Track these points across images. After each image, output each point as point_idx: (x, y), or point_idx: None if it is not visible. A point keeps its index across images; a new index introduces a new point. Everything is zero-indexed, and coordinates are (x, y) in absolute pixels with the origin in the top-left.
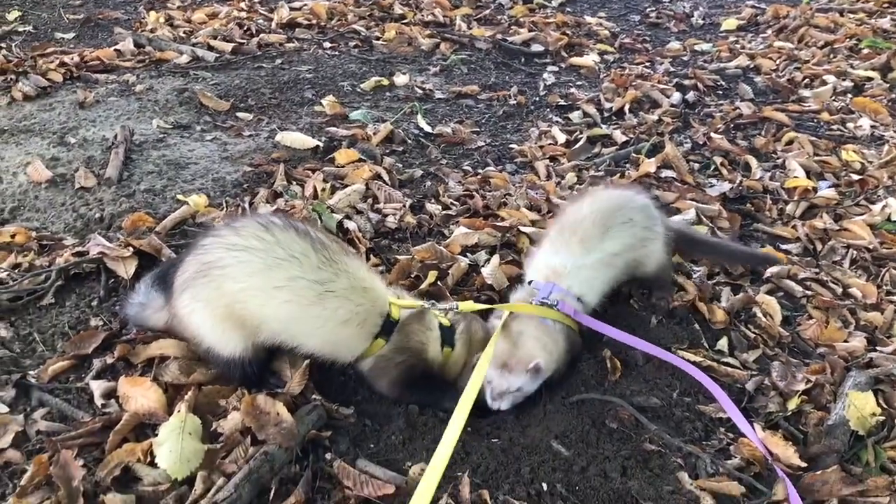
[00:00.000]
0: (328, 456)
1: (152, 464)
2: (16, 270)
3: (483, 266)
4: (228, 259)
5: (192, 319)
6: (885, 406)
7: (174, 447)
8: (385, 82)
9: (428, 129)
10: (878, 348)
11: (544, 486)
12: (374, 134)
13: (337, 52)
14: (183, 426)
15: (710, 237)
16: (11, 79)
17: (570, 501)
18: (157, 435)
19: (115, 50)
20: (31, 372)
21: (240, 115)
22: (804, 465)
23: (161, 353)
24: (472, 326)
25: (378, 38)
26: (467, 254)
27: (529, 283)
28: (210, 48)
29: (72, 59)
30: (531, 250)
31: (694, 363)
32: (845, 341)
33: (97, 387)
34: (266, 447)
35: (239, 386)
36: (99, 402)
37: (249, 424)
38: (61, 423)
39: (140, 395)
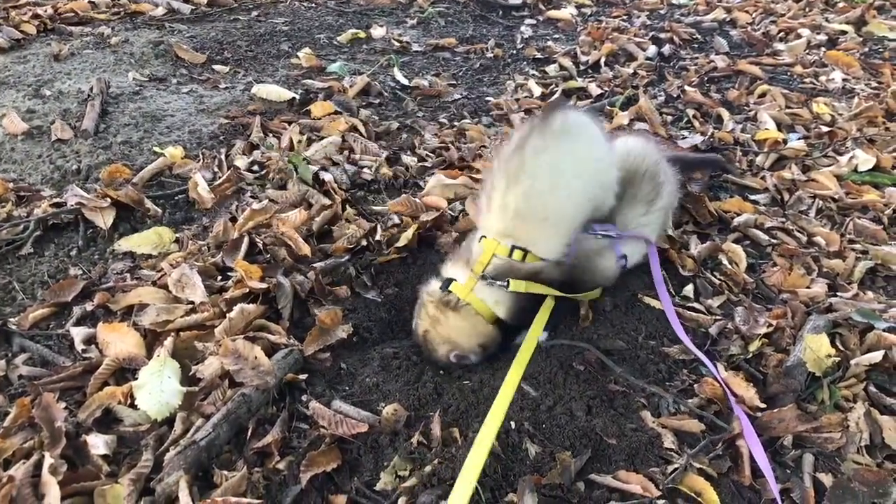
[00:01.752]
0: (304, 398)
1: (133, 406)
2: None
3: (459, 217)
4: None
5: None
6: (842, 348)
7: (154, 389)
8: (362, 35)
9: (404, 81)
10: (838, 294)
11: (512, 424)
12: (351, 86)
13: (313, 5)
14: (162, 369)
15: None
16: None
17: (537, 438)
18: (136, 378)
19: (90, 2)
20: (12, 319)
21: (216, 67)
22: (763, 405)
23: (140, 301)
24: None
25: None
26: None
27: None
28: (185, 0)
29: (45, 10)
30: None
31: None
32: (807, 287)
33: (77, 333)
34: (244, 389)
35: None
36: (79, 347)
37: (228, 368)
38: (42, 367)
39: (119, 340)
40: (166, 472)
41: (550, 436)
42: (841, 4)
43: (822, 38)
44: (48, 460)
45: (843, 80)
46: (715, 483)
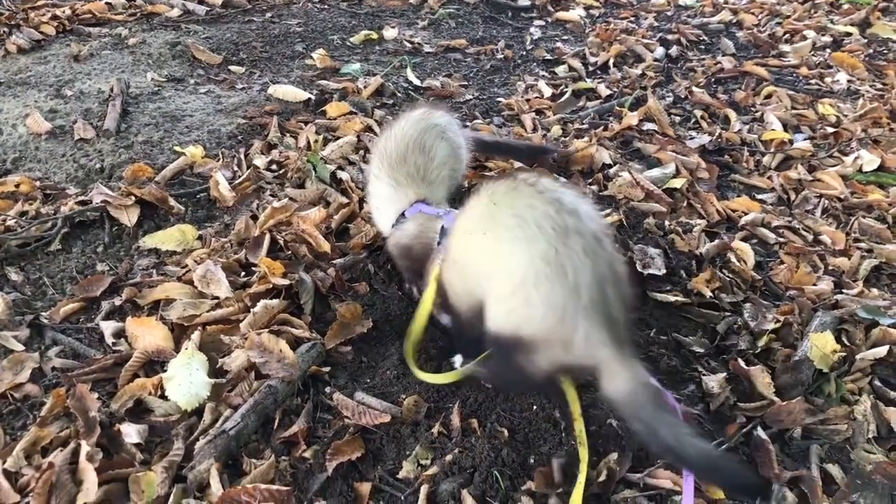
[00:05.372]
0: (328, 389)
1: (163, 396)
2: (23, 218)
3: None
4: None
5: None
6: (848, 343)
7: (183, 381)
8: (374, 36)
9: (417, 82)
10: (843, 291)
11: (527, 415)
12: (365, 87)
13: (326, 6)
14: (190, 362)
15: (497, 138)
16: (4, 32)
17: (557, 429)
18: (166, 370)
19: (107, 3)
20: (44, 313)
21: (232, 68)
22: (775, 398)
23: (166, 296)
24: None
25: None
26: None
27: (402, 214)
28: (201, 1)
29: (63, 12)
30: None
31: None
32: (814, 285)
33: (107, 327)
34: (270, 381)
35: None
36: (109, 340)
37: (254, 360)
38: (74, 360)
39: (147, 333)
40: (197, 461)
41: (567, 427)
42: (846, 6)
43: (828, 39)
44: (84, 448)
45: (848, 81)
46: None
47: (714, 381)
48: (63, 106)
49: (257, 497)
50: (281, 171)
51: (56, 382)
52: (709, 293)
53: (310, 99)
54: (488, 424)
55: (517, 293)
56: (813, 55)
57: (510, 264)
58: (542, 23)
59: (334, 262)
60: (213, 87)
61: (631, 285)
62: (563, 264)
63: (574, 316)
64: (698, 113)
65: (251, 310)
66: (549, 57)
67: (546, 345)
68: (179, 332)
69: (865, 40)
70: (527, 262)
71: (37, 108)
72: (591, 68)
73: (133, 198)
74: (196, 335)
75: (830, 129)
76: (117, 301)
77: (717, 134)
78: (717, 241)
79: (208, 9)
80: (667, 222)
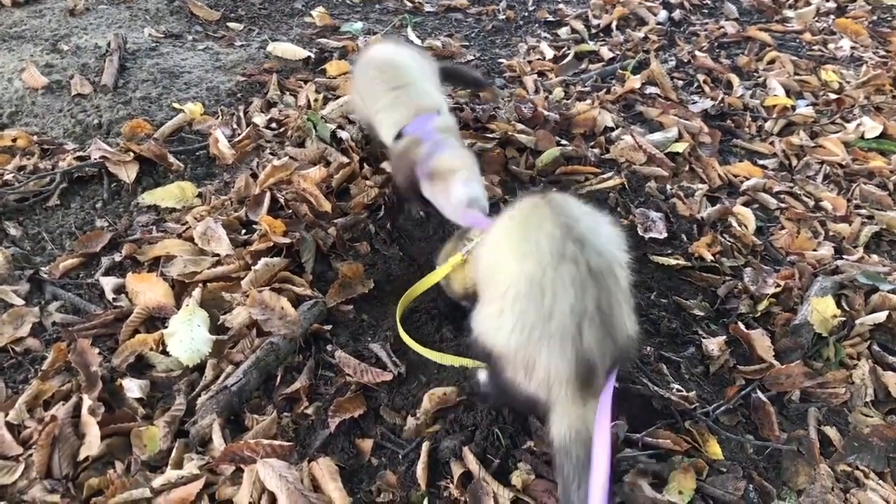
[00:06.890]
0: (329, 347)
1: (164, 352)
2: (21, 173)
3: None
4: None
5: None
6: (848, 308)
7: (184, 337)
8: None
9: (418, 42)
10: (844, 257)
11: None
12: (365, 46)
13: None
14: (192, 318)
15: (452, 66)
16: None
17: None
18: (167, 326)
19: None
20: (43, 268)
21: (230, 24)
22: (774, 362)
23: (167, 253)
24: None
25: None
26: None
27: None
28: None
29: None
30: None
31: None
32: (814, 250)
33: (107, 282)
34: (271, 338)
35: None
36: (110, 296)
37: (256, 318)
38: (75, 315)
39: (148, 290)
40: (200, 416)
41: None
42: None
43: (831, 5)
44: (86, 402)
45: (852, 47)
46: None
47: (714, 344)
48: (59, 60)
49: (260, 452)
50: (281, 130)
51: (57, 337)
52: (710, 257)
53: (309, 57)
54: None
55: (497, 303)
56: (817, 21)
57: (500, 275)
58: None
59: (335, 221)
60: (211, 44)
61: (630, 333)
62: (544, 287)
63: (539, 340)
64: (701, 77)
65: (252, 267)
66: (551, 18)
67: (511, 365)
68: (180, 289)
69: (870, 7)
70: (514, 277)
71: (33, 62)
72: (593, 30)
73: (132, 154)
74: (197, 292)
75: (833, 96)
76: (117, 257)
77: (719, 99)
78: (718, 206)
79: None
80: (668, 186)
